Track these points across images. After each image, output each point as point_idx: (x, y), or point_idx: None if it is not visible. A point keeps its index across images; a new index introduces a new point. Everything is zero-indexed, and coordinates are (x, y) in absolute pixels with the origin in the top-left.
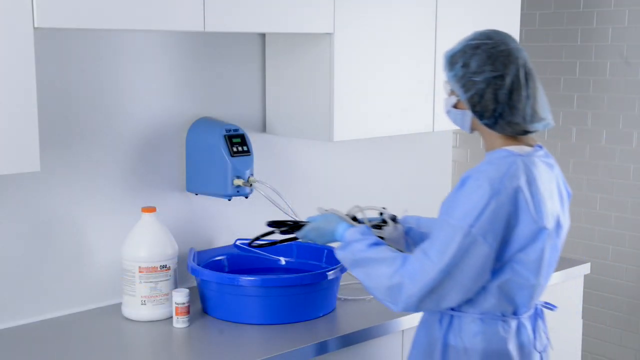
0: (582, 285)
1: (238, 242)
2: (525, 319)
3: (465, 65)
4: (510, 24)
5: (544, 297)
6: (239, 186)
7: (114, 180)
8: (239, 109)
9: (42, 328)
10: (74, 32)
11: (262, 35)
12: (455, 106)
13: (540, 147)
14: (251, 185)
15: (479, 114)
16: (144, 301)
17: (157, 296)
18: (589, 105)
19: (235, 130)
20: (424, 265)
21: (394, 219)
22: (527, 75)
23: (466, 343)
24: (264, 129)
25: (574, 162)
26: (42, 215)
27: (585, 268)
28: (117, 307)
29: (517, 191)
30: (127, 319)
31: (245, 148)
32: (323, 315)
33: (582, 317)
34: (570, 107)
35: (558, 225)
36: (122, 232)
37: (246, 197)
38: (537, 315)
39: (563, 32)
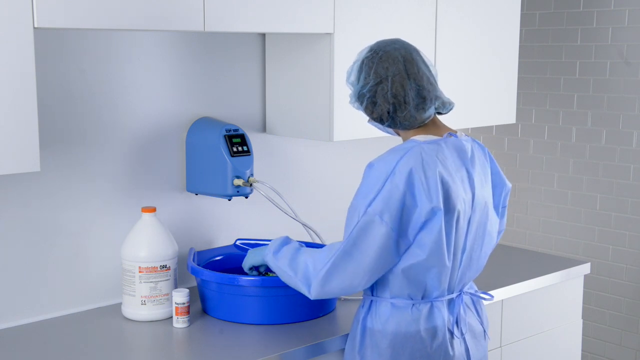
0: (582, 285)
1: (238, 242)
2: (440, 303)
3: (357, 83)
4: (510, 24)
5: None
6: (239, 186)
7: (113, 180)
8: (239, 109)
9: (42, 328)
10: (74, 32)
11: (262, 35)
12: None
13: (454, 135)
14: (251, 185)
15: (378, 119)
16: (144, 301)
17: (157, 296)
18: (589, 105)
19: (235, 130)
20: (332, 247)
21: None
22: (409, 68)
23: (380, 325)
24: (264, 129)
25: (574, 162)
26: (42, 215)
27: (585, 268)
28: (117, 307)
29: (410, 173)
30: (127, 319)
31: (245, 148)
32: (323, 315)
33: (582, 317)
34: (570, 107)
35: (474, 208)
36: (122, 232)
37: (246, 197)
38: (461, 302)
39: (563, 32)
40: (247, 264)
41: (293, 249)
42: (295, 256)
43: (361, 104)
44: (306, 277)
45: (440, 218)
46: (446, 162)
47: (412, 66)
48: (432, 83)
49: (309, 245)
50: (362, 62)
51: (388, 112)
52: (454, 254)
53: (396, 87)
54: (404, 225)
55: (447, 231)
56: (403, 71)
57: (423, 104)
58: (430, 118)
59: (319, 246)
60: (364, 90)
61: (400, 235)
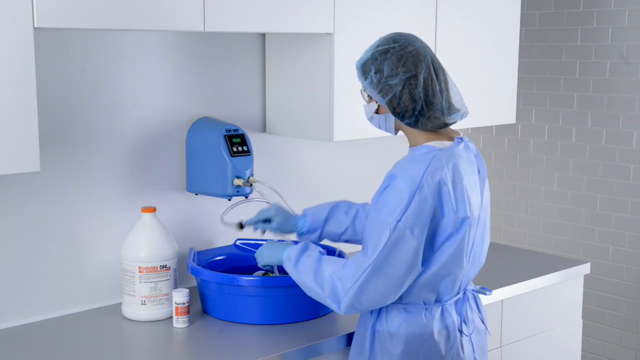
0: (582, 285)
1: (238, 242)
2: (450, 305)
3: (378, 71)
4: (510, 24)
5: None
6: (239, 186)
7: (113, 180)
8: (239, 109)
9: (42, 328)
10: (74, 32)
11: (262, 35)
12: (377, 112)
13: (461, 139)
14: (251, 185)
15: (400, 115)
16: (144, 301)
17: (157, 296)
18: (589, 105)
19: (235, 130)
20: (359, 263)
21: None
22: (437, 70)
23: (393, 330)
24: (264, 129)
25: (574, 162)
26: (42, 215)
27: (585, 268)
28: (117, 307)
29: (439, 184)
30: (127, 319)
31: (245, 148)
32: (323, 315)
33: (582, 317)
34: (570, 107)
35: (481, 213)
36: (122, 232)
37: (246, 197)
38: (466, 301)
39: (563, 32)
40: (262, 261)
41: (315, 261)
42: (318, 269)
43: (384, 95)
44: (334, 294)
45: (465, 227)
46: (465, 169)
47: (439, 68)
48: (456, 89)
49: (326, 248)
50: (387, 51)
51: (413, 110)
52: (471, 258)
53: (426, 86)
54: (430, 236)
55: (464, 239)
56: (432, 71)
57: (450, 109)
58: (450, 124)
59: (335, 251)
60: (392, 82)
61: (426, 246)
